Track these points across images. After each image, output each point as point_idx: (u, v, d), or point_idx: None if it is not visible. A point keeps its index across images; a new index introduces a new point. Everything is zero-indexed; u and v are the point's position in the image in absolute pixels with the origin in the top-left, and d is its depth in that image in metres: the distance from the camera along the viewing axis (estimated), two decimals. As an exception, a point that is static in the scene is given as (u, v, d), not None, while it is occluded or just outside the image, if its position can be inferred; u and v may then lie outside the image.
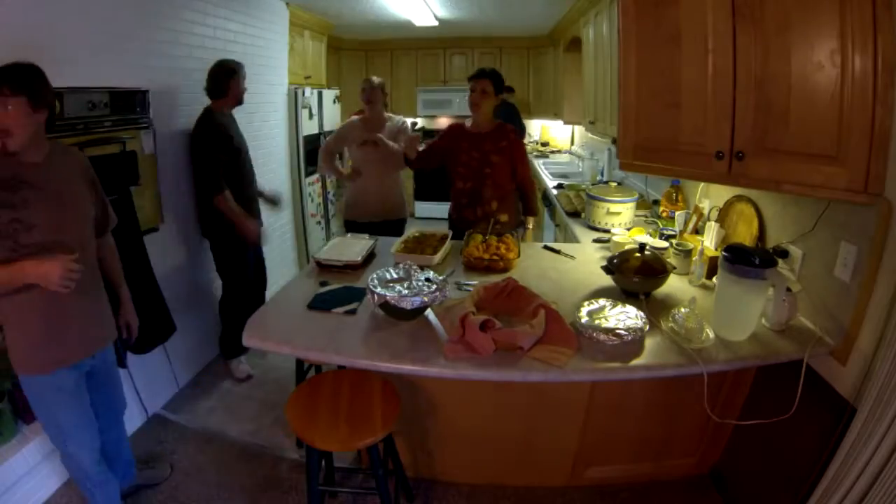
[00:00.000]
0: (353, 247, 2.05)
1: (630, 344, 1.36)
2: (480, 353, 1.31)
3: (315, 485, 1.45)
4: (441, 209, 5.92)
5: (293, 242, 4.04)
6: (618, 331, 1.36)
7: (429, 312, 1.54)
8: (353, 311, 1.56)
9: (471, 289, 1.74)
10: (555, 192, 3.60)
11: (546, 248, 2.20)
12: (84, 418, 1.57)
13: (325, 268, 1.93)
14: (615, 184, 2.99)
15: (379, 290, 1.46)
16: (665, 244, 2.01)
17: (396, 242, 2.05)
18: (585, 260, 2.05)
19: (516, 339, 1.31)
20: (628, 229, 2.42)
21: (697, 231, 2.09)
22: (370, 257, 2.03)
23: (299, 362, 2.10)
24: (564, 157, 5.50)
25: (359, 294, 1.65)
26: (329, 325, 1.50)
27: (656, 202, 2.80)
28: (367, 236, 2.20)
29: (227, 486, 1.98)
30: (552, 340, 1.35)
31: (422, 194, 6.02)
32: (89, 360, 1.56)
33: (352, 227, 2.87)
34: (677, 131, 1.53)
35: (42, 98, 1.33)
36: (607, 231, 2.48)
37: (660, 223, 2.48)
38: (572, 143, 5.75)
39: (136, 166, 2.19)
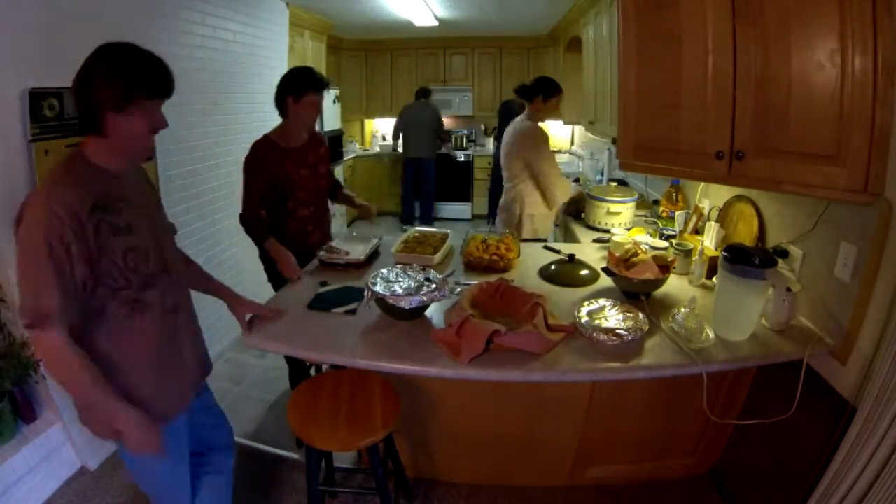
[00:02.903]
0: (357, 245, 2.05)
1: (630, 344, 1.36)
2: (459, 356, 1.29)
3: (315, 485, 1.45)
4: (450, 209, 5.96)
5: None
6: (618, 331, 1.36)
7: (433, 314, 1.54)
8: (353, 311, 1.56)
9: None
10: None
11: (546, 248, 2.20)
12: (187, 477, 1.34)
13: (327, 266, 1.93)
14: (615, 184, 2.99)
15: (377, 288, 1.46)
16: (665, 244, 2.01)
17: (397, 242, 2.06)
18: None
19: (529, 347, 1.31)
20: (628, 229, 2.42)
21: (697, 231, 2.09)
22: (373, 256, 2.03)
23: (295, 363, 2.10)
24: (564, 158, 5.50)
25: (358, 294, 1.65)
26: (329, 325, 1.50)
27: (656, 202, 2.80)
28: (371, 235, 2.20)
29: (227, 486, 1.98)
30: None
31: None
32: (196, 398, 1.36)
33: None
34: (677, 131, 1.53)
35: None
36: (607, 231, 2.48)
37: (660, 223, 2.48)
38: (572, 143, 5.75)
39: (136, 166, 2.19)
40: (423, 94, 5.36)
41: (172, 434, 1.23)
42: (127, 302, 1.12)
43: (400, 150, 5.51)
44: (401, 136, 5.43)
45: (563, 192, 2.61)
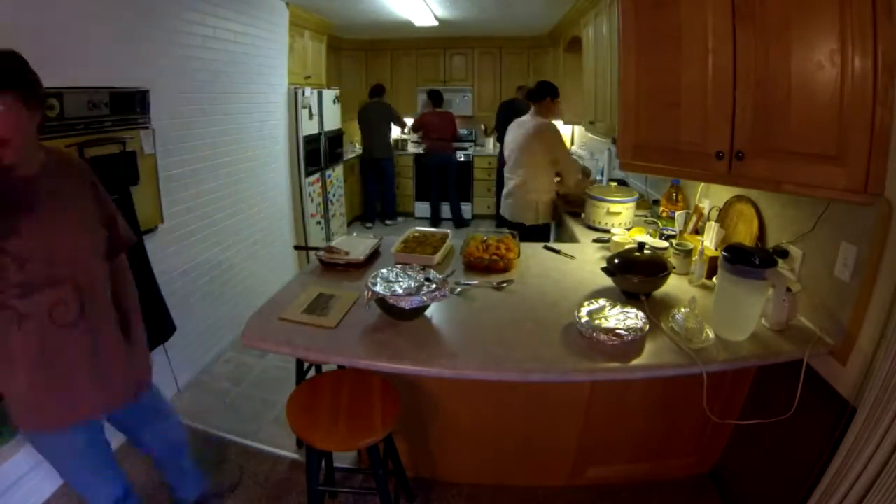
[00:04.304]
0: (357, 245, 2.04)
1: (630, 344, 1.36)
2: None
3: (315, 485, 1.45)
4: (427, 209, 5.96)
5: (293, 242, 4.04)
6: (618, 331, 1.36)
7: (433, 314, 1.54)
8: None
9: (470, 288, 1.74)
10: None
11: (546, 248, 2.20)
12: (99, 476, 1.40)
13: (327, 266, 1.93)
14: (615, 184, 3.00)
15: (377, 288, 1.46)
16: (665, 244, 2.01)
17: (397, 242, 2.05)
18: (585, 260, 2.05)
19: None
20: (628, 229, 2.42)
21: (697, 231, 2.09)
22: (374, 256, 2.03)
23: (299, 362, 2.10)
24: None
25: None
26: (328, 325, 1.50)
27: (656, 202, 2.80)
28: (371, 235, 2.19)
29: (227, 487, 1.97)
30: None
31: (422, 194, 6.02)
32: (119, 410, 1.38)
33: None
34: (677, 131, 1.53)
35: (35, 92, 1.06)
36: (607, 231, 2.48)
37: (660, 223, 2.48)
38: (572, 143, 5.75)
39: (136, 166, 2.19)
40: (376, 92, 5.38)
41: (61, 443, 1.30)
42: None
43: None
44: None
45: (576, 172, 3.08)
